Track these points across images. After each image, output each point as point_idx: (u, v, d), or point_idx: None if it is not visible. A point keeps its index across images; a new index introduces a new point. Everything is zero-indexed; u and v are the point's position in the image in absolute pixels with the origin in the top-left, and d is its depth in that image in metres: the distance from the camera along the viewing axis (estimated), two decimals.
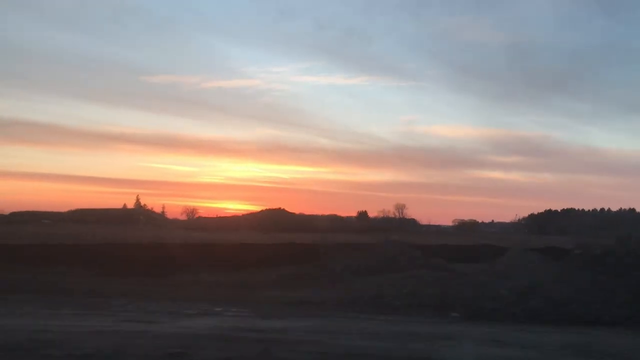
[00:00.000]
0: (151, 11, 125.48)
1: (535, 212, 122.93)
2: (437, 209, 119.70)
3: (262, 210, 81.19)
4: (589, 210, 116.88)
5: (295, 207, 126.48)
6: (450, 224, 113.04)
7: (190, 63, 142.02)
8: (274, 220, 73.20)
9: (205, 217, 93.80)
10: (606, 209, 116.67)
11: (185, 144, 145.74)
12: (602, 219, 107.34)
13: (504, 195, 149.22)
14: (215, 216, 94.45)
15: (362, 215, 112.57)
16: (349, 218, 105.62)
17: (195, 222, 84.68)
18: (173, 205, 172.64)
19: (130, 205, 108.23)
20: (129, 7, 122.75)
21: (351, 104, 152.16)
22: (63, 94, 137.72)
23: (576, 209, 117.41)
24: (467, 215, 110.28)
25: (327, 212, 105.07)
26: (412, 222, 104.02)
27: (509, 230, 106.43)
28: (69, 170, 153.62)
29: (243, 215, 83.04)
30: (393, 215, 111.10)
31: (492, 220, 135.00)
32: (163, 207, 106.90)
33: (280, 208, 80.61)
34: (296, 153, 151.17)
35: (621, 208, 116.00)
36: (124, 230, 59.56)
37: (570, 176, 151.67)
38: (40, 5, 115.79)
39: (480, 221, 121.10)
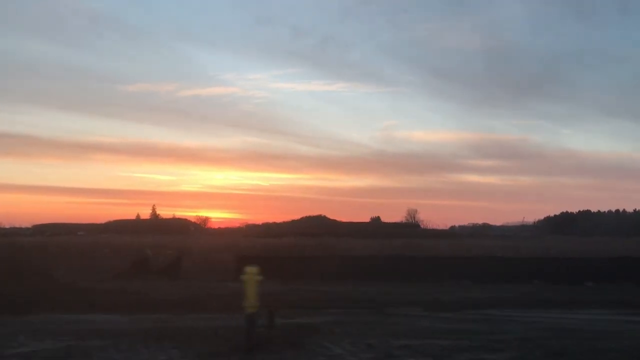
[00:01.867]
0: (127, 20, 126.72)
1: (551, 215, 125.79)
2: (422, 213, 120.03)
3: (302, 218, 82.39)
4: (605, 212, 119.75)
5: (276, 214, 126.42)
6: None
7: (167, 71, 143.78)
8: (316, 227, 74.32)
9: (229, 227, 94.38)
10: (621, 210, 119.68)
11: (164, 152, 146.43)
12: (620, 220, 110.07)
13: (483, 198, 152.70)
14: (243, 225, 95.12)
15: (375, 220, 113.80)
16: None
17: (236, 231, 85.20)
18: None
19: (145, 215, 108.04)
20: (105, 17, 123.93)
21: (331, 110, 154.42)
22: (39, 104, 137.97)
23: (592, 210, 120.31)
24: (454, 219, 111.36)
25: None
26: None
27: (526, 233, 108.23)
28: (46, 181, 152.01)
29: (283, 222, 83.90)
30: (404, 221, 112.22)
31: (504, 224, 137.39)
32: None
33: (321, 215, 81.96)
34: (276, 160, 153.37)
35: (635, 209, 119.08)
36: (190, 240, 60.31)
37: (547, 179, 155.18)
38: (15, 16, 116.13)
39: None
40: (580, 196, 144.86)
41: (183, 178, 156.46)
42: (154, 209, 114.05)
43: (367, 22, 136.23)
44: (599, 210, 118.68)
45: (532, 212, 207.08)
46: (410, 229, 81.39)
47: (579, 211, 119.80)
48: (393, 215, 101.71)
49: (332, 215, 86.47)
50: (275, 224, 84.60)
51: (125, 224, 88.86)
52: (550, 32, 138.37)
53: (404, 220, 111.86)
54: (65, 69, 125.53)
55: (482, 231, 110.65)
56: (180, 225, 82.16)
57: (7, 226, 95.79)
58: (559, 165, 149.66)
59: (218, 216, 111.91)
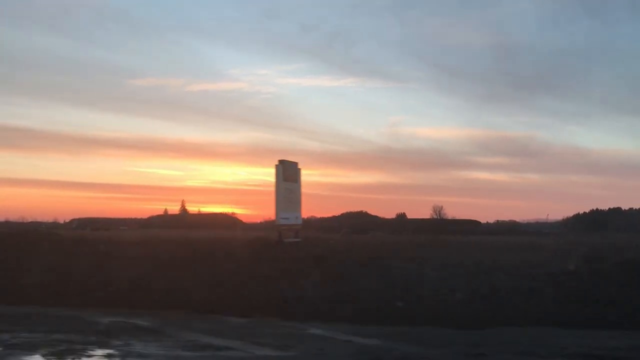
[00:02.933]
0: (135, 14, 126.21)
1: (581, 212, 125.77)
2: (425, 210, 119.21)
3: (343, 214, 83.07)
4: (635, 209, 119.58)
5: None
6: None
7: (175, 66, 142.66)
8: (357, 222, 74.96)
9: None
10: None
11: (171, 147, 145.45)
12: None
13: (490, 196, 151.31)
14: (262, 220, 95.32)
15: (401, 217, 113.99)
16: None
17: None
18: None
19: (173, 210, 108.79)
20: (113, 11, 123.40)
21: (337, 106, 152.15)
22: (47, 98, 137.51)
23: (623, 208, 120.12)
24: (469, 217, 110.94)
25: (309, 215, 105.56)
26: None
27: (557, 230, 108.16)
28: (53, 175, 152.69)
29: (324, 218, 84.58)
30: (430, 217, 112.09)
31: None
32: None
33: (362, 211, 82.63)
34: (282, 156, 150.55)
35: None
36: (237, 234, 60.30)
37: (555, 176, 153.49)
38: (23, 10, 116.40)
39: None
40: (592, 195, 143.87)
41: (190, 173, 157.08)
42: (183, 204, 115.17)
43: (375, 18, 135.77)
44: (631, 208, 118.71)
45: (544, 209, 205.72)
46: (470, 225, 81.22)
47: (610, 209, 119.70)
48: (411, 211, 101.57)
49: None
50: (314, 218, 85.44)
51: (169, 219, 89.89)
52: (559, 28, 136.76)
53: (430, 216, 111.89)
54: (72, 62, 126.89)
55: (513, 228, 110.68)
56: (226, 220, 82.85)
57: (30, 220, 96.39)
58: (568, 163, 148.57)
59: (227, 212, 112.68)
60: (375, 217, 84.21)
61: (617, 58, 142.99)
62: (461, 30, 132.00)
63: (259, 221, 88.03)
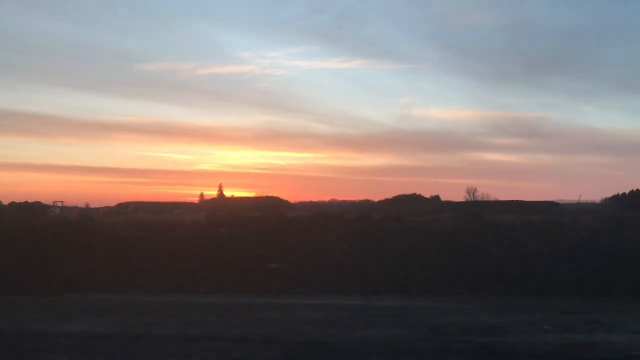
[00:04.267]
0: None
1: (619, 193, 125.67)
2: (440, 191, 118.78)
3: (395, 197, 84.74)
4: None
5: (292, 193, 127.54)
6: None
7: (185, 50, 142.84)
8: (409, 205, 76.29)
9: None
10: None
11: (182, 131, 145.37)
12: None
13: (502, 177, 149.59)
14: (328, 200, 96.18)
15: (435, 198, 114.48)
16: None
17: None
18: (172, 194, 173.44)
19: (210, 195, 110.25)
20: None
21: (347, 88, 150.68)
22: (57, 84, 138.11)
23: None
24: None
25: (327, 198, 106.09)
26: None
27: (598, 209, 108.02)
28: (66, 160, 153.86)
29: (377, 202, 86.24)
30: (465, 199, 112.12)
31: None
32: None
33: (415, 193, 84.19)
34: (293, 139, 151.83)
35: None
36: None
37: (568, 157, 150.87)
38: None
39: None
40: (606, 175, 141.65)
41: (201, 157, 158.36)
42: (220, 188, 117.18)
43: None
44: None
45: (557, 190, 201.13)
46: (511, 206, 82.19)
47: None
48: (426, 193, 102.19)
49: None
50: (371, 202, 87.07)
51: (217, 203, 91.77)
52: (570, 6, 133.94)
53: (464, 198, 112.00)
54: (82, 47, 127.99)
55: (553, 209, 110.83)
56: (275, 203, 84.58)
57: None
58: (580, 143, 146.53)
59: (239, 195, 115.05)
60: (428, 198, 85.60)
61: (630, 37, 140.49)
62: (472, 10, 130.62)
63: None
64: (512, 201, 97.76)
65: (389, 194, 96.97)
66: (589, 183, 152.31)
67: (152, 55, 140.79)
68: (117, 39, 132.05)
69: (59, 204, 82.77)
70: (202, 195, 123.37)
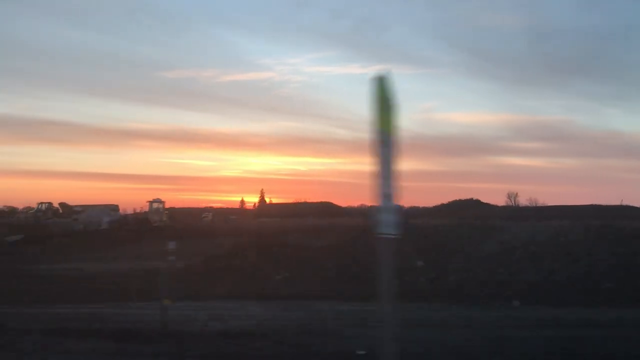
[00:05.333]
0: (165, 6, 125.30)
1: None
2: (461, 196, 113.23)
3: (451, 202, 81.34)
4: None
5: (315, 199, 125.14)
6: None
7: (206, 57, 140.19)
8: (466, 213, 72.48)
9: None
10: None
11: (204, 138, 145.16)
12: None
13: (526, 181, 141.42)
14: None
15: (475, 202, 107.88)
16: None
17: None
18: (194, 200, 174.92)
19: (250, 200, 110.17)
20: (143, 3, 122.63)
21: (368, 93, 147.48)
22: (79, 91, 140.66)
23: None
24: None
25: (356, 204, 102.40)
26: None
27: None
28: (88, 167, 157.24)
29: (427, 208, 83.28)
30: (506, 204, 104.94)
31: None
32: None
33: (472, 198, 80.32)
34: (314, 144, 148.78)
35: None
36: None
37: (592, 161, 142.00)
38: (53, 4, 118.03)
39: None
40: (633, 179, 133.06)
41: (222, 163, 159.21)
42: (262, 194, 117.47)
43: (405, 3, 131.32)
44: None
45: (583, 194, 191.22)
46: (555, 211, 76.13)
47: None
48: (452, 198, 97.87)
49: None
50: (418, 208, 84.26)
51: (271, 208, 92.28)
52: (595, 8, 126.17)
53: (505, 203, 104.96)
54: (104, 55, 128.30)
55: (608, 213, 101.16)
56: (328, 209, 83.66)
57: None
58: (606, 147, 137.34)
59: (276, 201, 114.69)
60: (488, 204, 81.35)
61: None
62: (493, 12, 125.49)
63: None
64: (564, 206, 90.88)
65: (435, 200, 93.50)
66: (613, 187, 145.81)
67: (173, 62, 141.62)
68: (138, 47, 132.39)
69: (209, 213, 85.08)
70: (243, 201, 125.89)
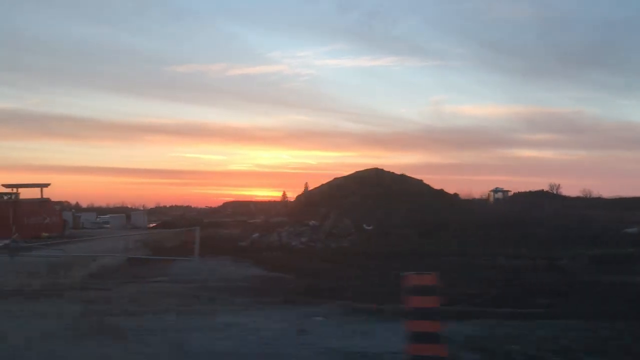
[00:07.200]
0: (174, 1, 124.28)
1: None
2: (472, 189, 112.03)
3: None
4: None
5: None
6: None
7: (215, 51, 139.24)
8: None
9: None
10: None
11: (213, 132, 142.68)
12: None
13: (538, 173, 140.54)
14: None
15: None
16: None
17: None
18: (204, 194, 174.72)
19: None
20: None
21: (378, 86, 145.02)
22: (90, 87, 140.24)
23: None
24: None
25: None
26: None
27: None
28: (99, 162, 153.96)
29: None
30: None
31: None
32: None
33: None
34: (323, 138, 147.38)
35: None
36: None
37: (605, 152, 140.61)
38: (62, 0, 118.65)
39: None
40: None
41: (232, 157, 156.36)
42: (306, 187, 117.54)
43: None
44: None
45: (600, 187, 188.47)
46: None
47: None
48: (463, 192, 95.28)
49: None
50: None
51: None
52: None
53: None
54: (114, 50, 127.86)
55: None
56: None
57: (130, 206, 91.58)
58: (618, 138, 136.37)
59: (269, 194, 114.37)
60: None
61: None
62: (504, 3, 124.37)
63: None
64: (597, 198, 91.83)
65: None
66: (627, 179, 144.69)
67: (183, 57, 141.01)
68: (148, 41, 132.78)
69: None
70: (284, 194, 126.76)
